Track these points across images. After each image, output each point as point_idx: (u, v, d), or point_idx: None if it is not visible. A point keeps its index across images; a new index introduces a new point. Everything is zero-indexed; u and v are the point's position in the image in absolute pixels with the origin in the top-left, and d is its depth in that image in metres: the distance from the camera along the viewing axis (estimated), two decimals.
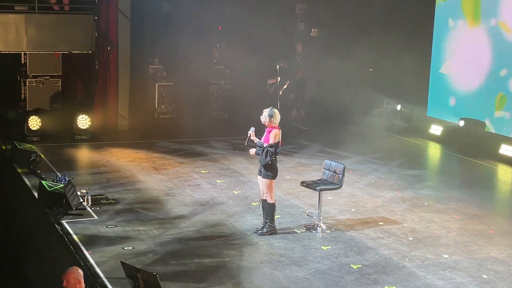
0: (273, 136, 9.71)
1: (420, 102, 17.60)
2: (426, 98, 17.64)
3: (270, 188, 9.84)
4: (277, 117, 9.79)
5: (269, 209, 9.92)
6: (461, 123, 16.17)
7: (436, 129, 16.89)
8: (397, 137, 17.05)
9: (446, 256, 9.35)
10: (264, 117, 9.80)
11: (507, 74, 15.20)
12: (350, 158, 14.53)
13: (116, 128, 16.60)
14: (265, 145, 9.70)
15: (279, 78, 17.43)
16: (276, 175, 9.88)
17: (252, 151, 9.95)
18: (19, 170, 12.83)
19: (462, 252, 9.52)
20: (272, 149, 9.66)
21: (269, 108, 9.88)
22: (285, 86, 17.73)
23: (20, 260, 10.95)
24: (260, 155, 9.74)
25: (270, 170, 9.76)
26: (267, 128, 9.87)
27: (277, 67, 17.42)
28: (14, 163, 13.17)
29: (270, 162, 9.68)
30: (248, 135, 9.93)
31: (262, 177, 9.84)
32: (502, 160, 14.74)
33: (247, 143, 10.04)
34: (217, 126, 17.02)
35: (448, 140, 16.26)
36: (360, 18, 17.54)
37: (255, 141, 9.89)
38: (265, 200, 9.91)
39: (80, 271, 6.47)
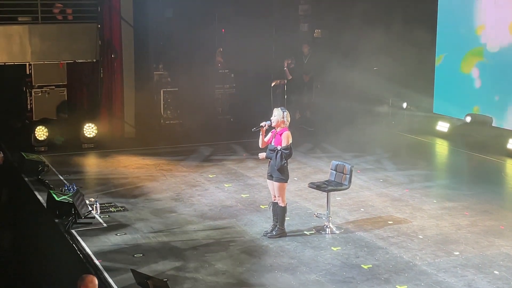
0: (286, 137, 9.59)
1: (426, 99, 17.55)
2: (432, 95, 17.59)
3: (282, 191, 9.76)
4: (289, 117, 9.74)
5: (280, 212, 9.86)
6: (468, 119, 16.13)
7: (442, 126, 16.84)
8: (403, 135, 17.00)
9: (457, 253, 9.32)
10: (278, 115, 9.60)
11: None
12: (357, 157, 14.51)
13: (123, 136, 16.59)
14: (278, 147, 9.62)
15: (279, 81, 17.42)
16: (288, 178, 9.81)
17: (262, 155, 9.87)
18: (27, 181, 12.86)
19: (473, 248, 9.49)
20: (287, 152, 9.58)
21: (280, 108, 9.82)
22: (278, 81, 17.61)
23: (31, 271, 10.97)
24: (274, 158, 9.63)
25: (283, 174, 9.67)
26: (275, 131, 9.74)
27: (285, 68, 17.41)
28: (22, 174, 13.19)
29: (285, 165, 9.61)
30: (264, 125, 9.67)
31: (275, 181, 9.73)
32: (510, 155, 14.68)
33: (255, 129, 9.78)
34: (223, 130, 17.02)
35: (455, 136, 16.21)
36: (362, 17, 17.49)
37: (262, 138, 9.73)
38: (276, 203, 9.87)
39: (96, 280, 6.44)
